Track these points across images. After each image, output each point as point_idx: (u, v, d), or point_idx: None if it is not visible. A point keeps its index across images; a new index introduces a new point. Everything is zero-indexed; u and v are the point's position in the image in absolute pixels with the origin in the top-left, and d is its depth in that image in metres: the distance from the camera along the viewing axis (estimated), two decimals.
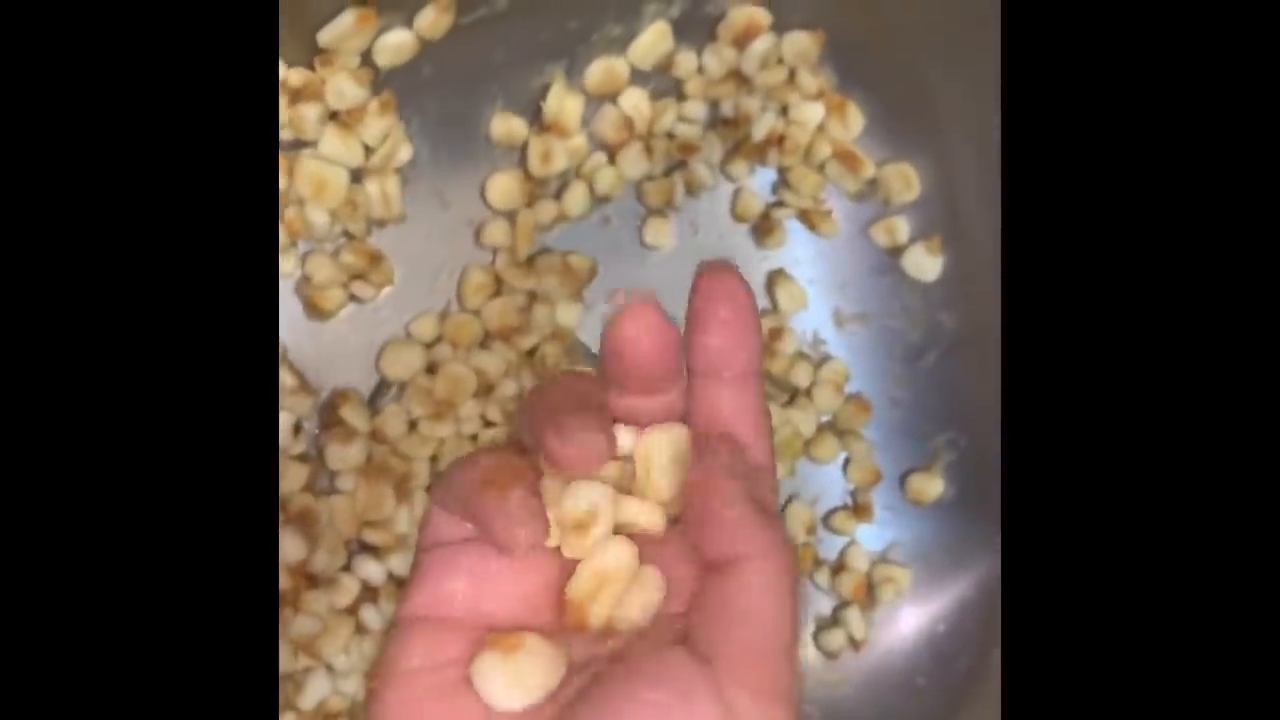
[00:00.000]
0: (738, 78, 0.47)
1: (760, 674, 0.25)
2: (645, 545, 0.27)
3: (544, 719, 0.26)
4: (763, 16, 0.46)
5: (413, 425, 0.45)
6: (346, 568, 0.44)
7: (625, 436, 0.28)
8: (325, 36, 0.43)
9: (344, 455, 0.43)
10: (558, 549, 0.27)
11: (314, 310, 0.45)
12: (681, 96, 0.47)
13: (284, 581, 0.41)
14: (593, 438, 0.26)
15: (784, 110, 0.48)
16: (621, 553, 0.27)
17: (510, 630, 0.26)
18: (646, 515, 0.27)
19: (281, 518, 0.42)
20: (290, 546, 0.41)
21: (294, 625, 0.42)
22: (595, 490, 0.27)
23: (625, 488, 0.28)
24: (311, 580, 0.42)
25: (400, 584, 0.44)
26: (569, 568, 0.27)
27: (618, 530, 0.27)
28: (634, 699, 0.24)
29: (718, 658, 0.25)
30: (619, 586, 0.27)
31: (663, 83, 0.47)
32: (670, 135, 0.47)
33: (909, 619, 0.50)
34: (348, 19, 0.42)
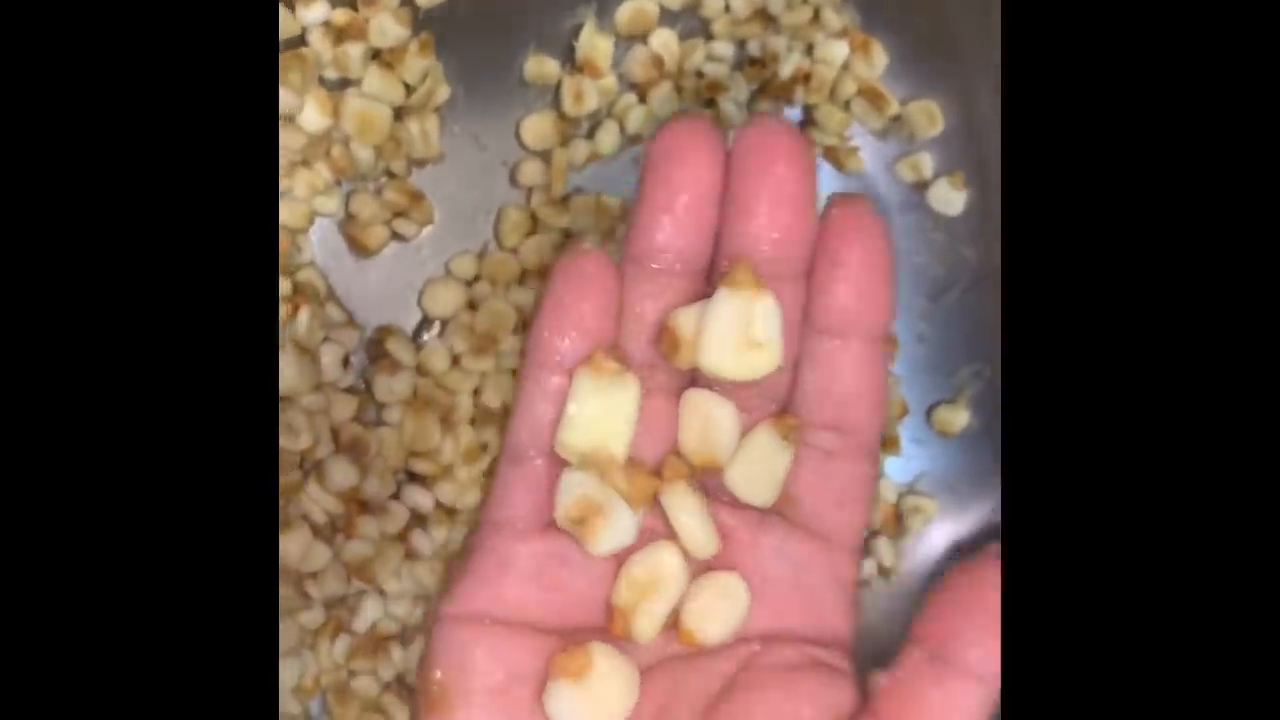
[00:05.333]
0: (764, 17, 0.48)
1: None
2: (732, 547, 0.25)
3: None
4: None
5: (455, 360, 0.46)
6: (396, 496, 0.45)
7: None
8: None
9: (391, 387, 0.45)
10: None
11: (359, 248, 0.46)
12: (709, 36, 0.48)
13: (336, 507, 0.43)
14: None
15: (809, 49, 0.48)
16: (660, 560, 0.25)
17: (572, 644, 0.25)
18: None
19: (333, 447, 0.43)
20: (342, 474, 0.43)
21: (347, 550, 0.43)
22: (586, 482, 0.24)
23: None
24: (363, 506, 0.44)
25: (447, 511, 0.46)
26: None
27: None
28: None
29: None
30: (666, 595, 0.25)
31: (691, 23, 0.48)
32: (699, 74, 0.48)
33: (937, 547, 0.51)
34: None
